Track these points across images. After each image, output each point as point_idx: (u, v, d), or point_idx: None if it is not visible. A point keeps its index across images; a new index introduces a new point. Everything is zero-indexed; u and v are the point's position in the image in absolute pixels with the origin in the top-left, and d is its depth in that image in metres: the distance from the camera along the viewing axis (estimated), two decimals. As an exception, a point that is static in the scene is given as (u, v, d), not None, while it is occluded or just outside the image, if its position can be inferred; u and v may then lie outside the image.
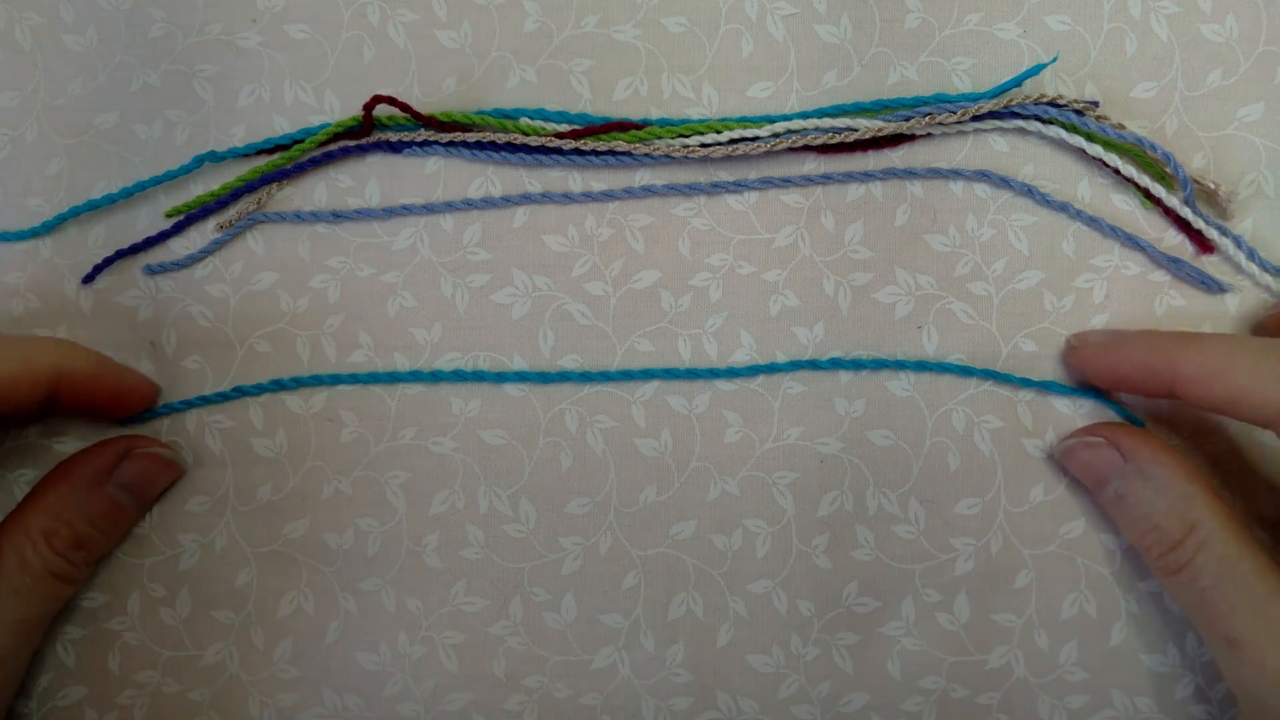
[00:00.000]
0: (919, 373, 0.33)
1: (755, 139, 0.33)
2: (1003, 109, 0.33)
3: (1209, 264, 0.33)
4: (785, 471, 0.33)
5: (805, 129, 0.33)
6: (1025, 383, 0.33)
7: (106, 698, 0.33)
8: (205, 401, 0.34)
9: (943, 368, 0.33)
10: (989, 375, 0.33)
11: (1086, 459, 0.32)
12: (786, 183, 0.34)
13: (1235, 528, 0.29)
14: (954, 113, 0.33)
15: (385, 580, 0.34)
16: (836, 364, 0.33)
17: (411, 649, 0.33)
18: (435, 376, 0.33)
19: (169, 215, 0.34)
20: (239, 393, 0.34)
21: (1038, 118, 0.33)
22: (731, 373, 0.33)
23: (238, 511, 0.34)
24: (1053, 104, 0.33)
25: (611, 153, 0.34)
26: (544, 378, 0.33)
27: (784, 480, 0.33)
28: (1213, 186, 0.33)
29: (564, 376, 0.33)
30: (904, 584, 0.33)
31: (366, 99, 0.33)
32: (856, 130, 0.33)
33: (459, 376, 0.33)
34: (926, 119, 0.33)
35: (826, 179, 0.34)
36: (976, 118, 0.33)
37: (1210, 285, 0.33)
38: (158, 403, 0.34)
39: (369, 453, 0.34)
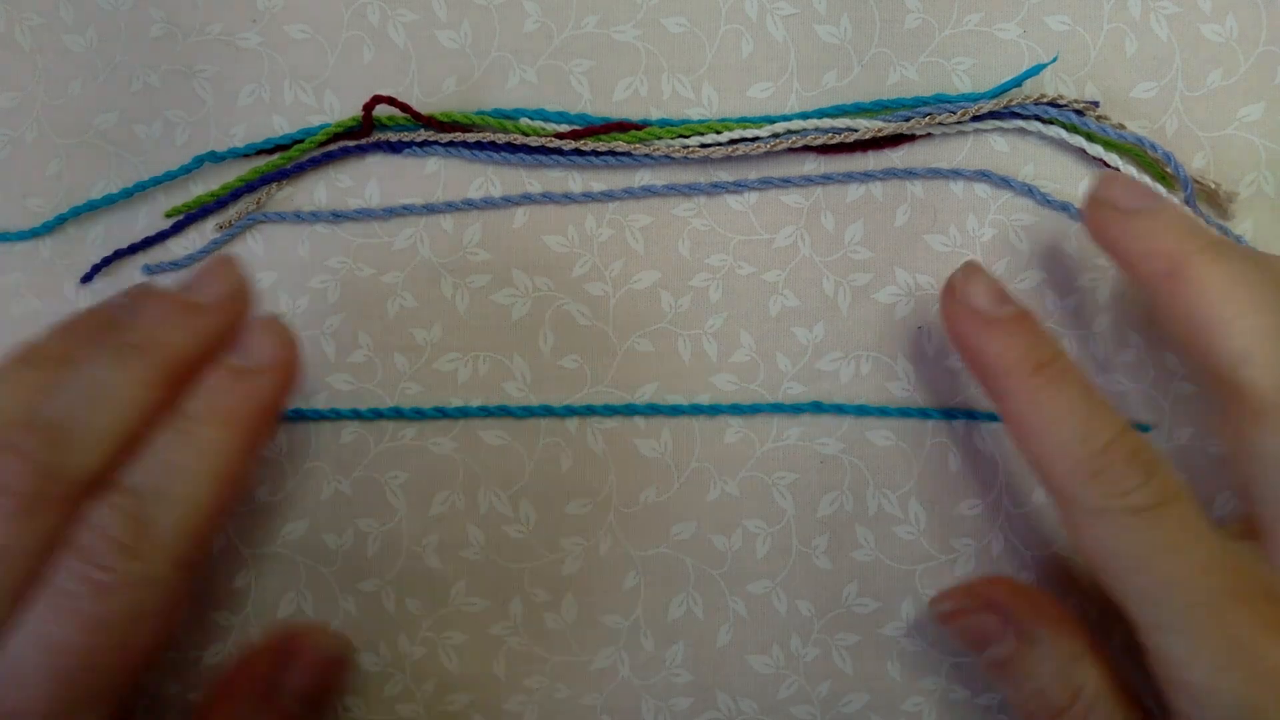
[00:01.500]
0: (901, 418, 0.33)
1: (755, 139, 0.33)
2: (1003, 109, 0.33)
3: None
4: (785, 472, 0.33)
5: (805, 129, 0.33)
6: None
7: (106, 698, 0.33)
8: None
9: (924, 414, 0.33)
10: (970, 417, 0.33)
11: (963, 625, 0.30)
12: (786, 183, 0.34)
13: (1119, 689, 0.28)
14: (954, 113, 0.33)
15: (385, 581, 0.34)
16: (819, 407, 0.33)
17: (411, 649, 0.33)
18: (418, 413, 0.33)
19: (169, 215, 0.34)
20: None
21: (1038, 118, 0.33)
22: (736, 409, 0.33)
23: (236, 513, 0.34)
24: (1053, 104, 0.33)
25: (612, 153, 0.34)
26: (527, 411, 0.33)
27: (784, 481, 0.33)
28: (1213, 186, 0.33)
29: (546, 411, 0.33)
30: (904, 584, 0.33)
31: (366, 99, 0.33)
32: (856, 130, 0.33)
33: (440, 413, 0.33)
34: (926, 119, 0.33)
35: (826, 179, 0.34)
36: (977, 118, 0.33)
37: None
38: None
39: (369, 453, 0.34)
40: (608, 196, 0.34)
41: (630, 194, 0.34)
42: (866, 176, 0.34)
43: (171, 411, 0.26)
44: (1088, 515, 0.26)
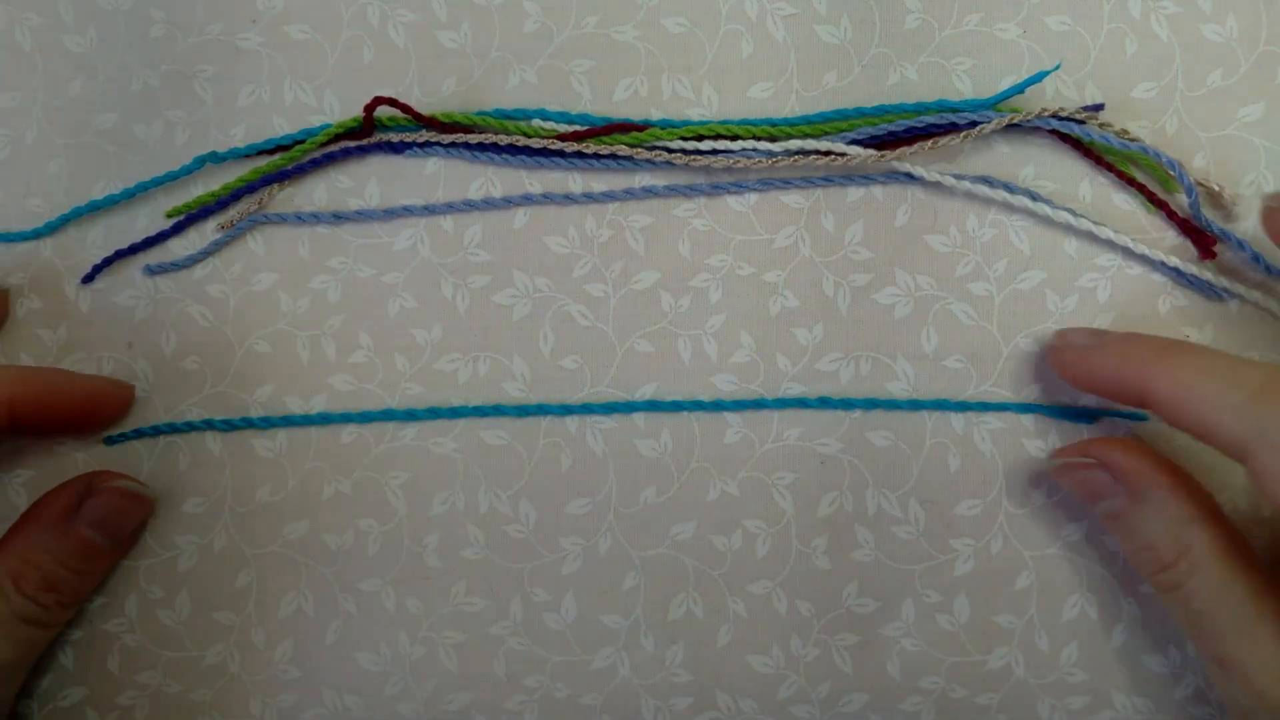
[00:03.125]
0: (909, 411, 0.33)
1: (755, 153, 0.33)
2: (1005, 127, 0.33)
3: (1209, 264, 0.33)
4: (785, 472, 0.33)
5: (805, 149, 0.33)
6: (1007, 406, 0.33)
7: (107, 698, 0.33)
8: (173, 429, 0.34)
9: (914, 405, 0.33)
10: (964, 407, 0.33)
11: (1078, 479, 0.31)
12: (787, 184, 0.34)
13: (1230, 551, 0.28)
14: (959, 127, 0.32)
15: (385, 580, 0.34)
16: (825, 402, 0.33)
17: (412, 649, 0.33)
18: (410, 415, 0.34)
19: (169, 216, 0.34)
20: (207, 425, 0.34)
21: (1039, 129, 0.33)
22: (718, 405, 0.33)
23: (236, 513, 0.34)
24: (1055, 116, 0.32)
25: (614, 156, 0.34)
26: (527, 411, 0.33)
27: (783, 481, 0.33)
28: (1217, 189, 0.33)
29: (542, 410, 0.33)
30: (904, 585, 0.33)
31: (366, 99, 0.33)
32: (857, 156, 0.32)
33: (434, 414, 0.34)
34: (932, 144, 0.32)
35: (827, 180, 0.34)
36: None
37: (1210, 293, 0.33)
38: (131, 405, 0.34)
39: (369, 453, 0.34)
40: (608, 197, 0.34)
41: (630, 194, 0.34)
42: (867, 179, 0.34)
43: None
44: (1273, 454, 0.26)
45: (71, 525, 0.31)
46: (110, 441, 0.34)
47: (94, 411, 0.33)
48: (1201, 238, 0.33)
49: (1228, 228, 0.33)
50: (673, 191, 0.34)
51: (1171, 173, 0.32)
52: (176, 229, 0.34)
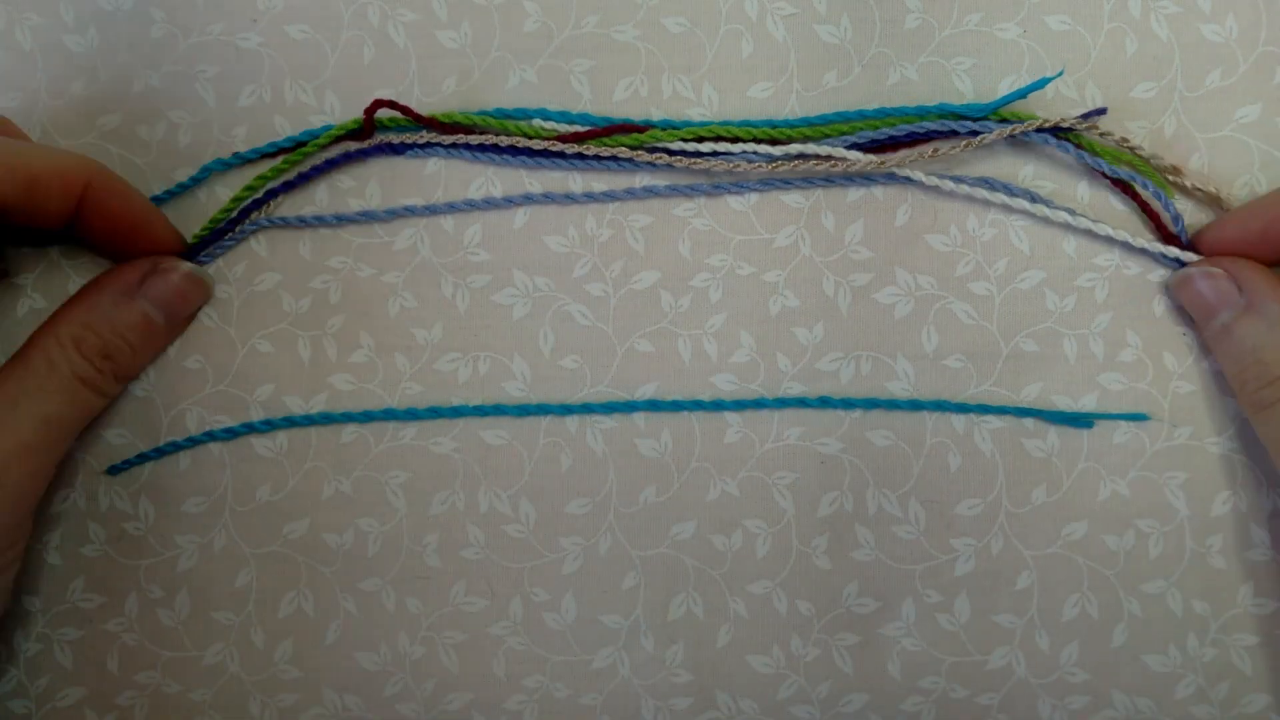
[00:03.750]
0: (910, 410, 0.33)
1: (756, 156, 0.33)
2: (1005, 137, 0.33)
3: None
4: (785, 472, 0.33)
5: (805, 154, 0.33)
6: (1005, 410, 0.33)
7: (106, 698, 0.33)
8: (175, 448, 0.34)
9: (914, 405, 0.33)
10: (964, 409, 0.33)
11: (1201, 289, 0.32)
12: (787, 184, 0.34)
13: None
14: (960, 134, 0.32)
15: (385, 580, 0.34)
16: (826, 402, 0.33)
17: (411, 649, 0.33)
18: (411, 414, 0.34)
19: (194, 240, 0.34)
20: (208, 437, 0.34)
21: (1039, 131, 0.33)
22: (718, 405, 0.33)
23: (236, 512, 0.34)
24: (1055, 129, 0.32)
25: (614, 159, 0.34)
26: (527, 410, 0.33)
27: (784, 481, 0.33)
28: (1214, 190, 0.33)
29: (542, 410, 0.33)
30: (904, 584, 0.33)
31: (367, 99, 0.33)
32: (857, 162, 0.32)
33: (434, 414, 0.34)
34: (933, 152, 0.32)
35: (827, 181, 0.34)
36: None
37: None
38: (180, 252, 0.34)
39: (369, 453, 0.34)
40: (608, 197, 0.34)
41: (631, 194, 0.34)
42: (868, 180, 0.34)
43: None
44: None
45: (134, 300, 0.32)
46: (113, 471, 0.34)
47: (144, 237, 0.33)
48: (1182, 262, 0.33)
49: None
50: (673, 191, 0.34)
51: (1158, 201, 0.32)
52: (195, 251, 0.34)
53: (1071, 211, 0.33)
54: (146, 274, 0.33)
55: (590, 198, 0.34)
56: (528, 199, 0.34)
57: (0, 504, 0.30)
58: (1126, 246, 0.33)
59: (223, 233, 0.34)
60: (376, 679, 0.33)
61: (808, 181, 0.34)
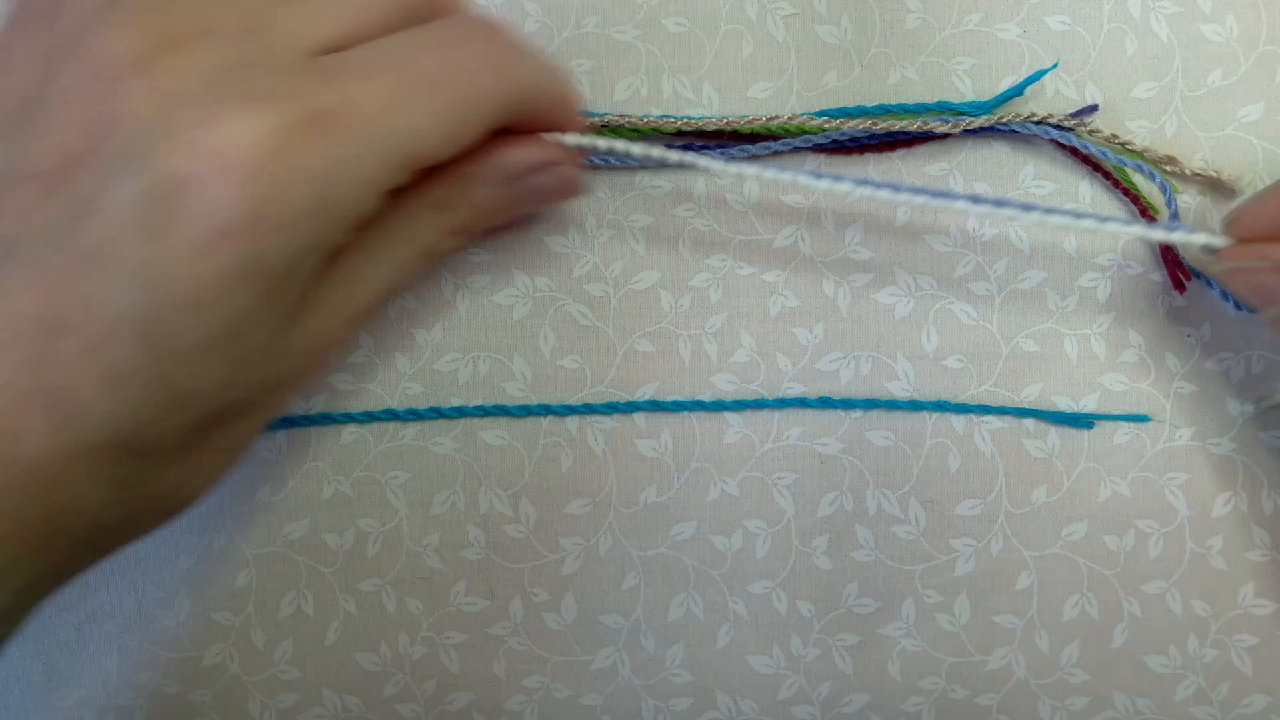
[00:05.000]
0: (910, 411, 0.33)
1: (756, 148, 0.33)
2: (993, 126, 0.33)
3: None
4: (785, 472, 0.33)
5: (805, 129, 0.33)
6: (1005, 410, 0.33)
7: (105, 700, 0.33)
8: None
9: (914, 406, 0.33)
10: (964, 409, 0.33)
11: (1253, 282, 0.28)
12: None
13: None
14: (946, 122, 0.32)
15: (385, 580, 0.34)
16: (826, 402, 0.33)
17: (412, 649, 0.33)
18: (411, 414, 0.34)
19: None
20: None
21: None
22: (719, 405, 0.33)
23: (235, 513, 0.34)
24: (1042, 122, 0.33)
25: (613, 153, 0.34)
26: (527, 411, 0.33)
27: (784, 481, 0.33)
28: (1215, 174, 0.33)
29: (542, 410, 0.33)
30: (904, 585, 0.33)
31: (367, 99, 0.33)
32: (846, 130, 0.33)
33: (435, 414, 0.34)
34: (919, 124, 0.33)
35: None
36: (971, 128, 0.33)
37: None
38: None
39: (369, 453, 0.34)
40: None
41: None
42: (866, 183, 0.33)
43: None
44: None
45: (513, 188, 0.29)
46: None
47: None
48: (1175, 270, 0.33)
49: (1200, 270, 0.33)
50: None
51: (1163, 195, 0.32)
52: None
53: (1074, 213, 0.33)
54: (537, 167, 0.29)
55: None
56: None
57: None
58: (1130, 245, 0.33)
59: None
60: (377, 679, 0.33)
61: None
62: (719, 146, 0.33)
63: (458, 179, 0.28)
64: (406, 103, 0.25)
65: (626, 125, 0.33)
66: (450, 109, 0.26)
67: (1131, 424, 0.33)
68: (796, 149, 0.33)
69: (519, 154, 0.29)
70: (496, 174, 0.29)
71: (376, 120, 0.24)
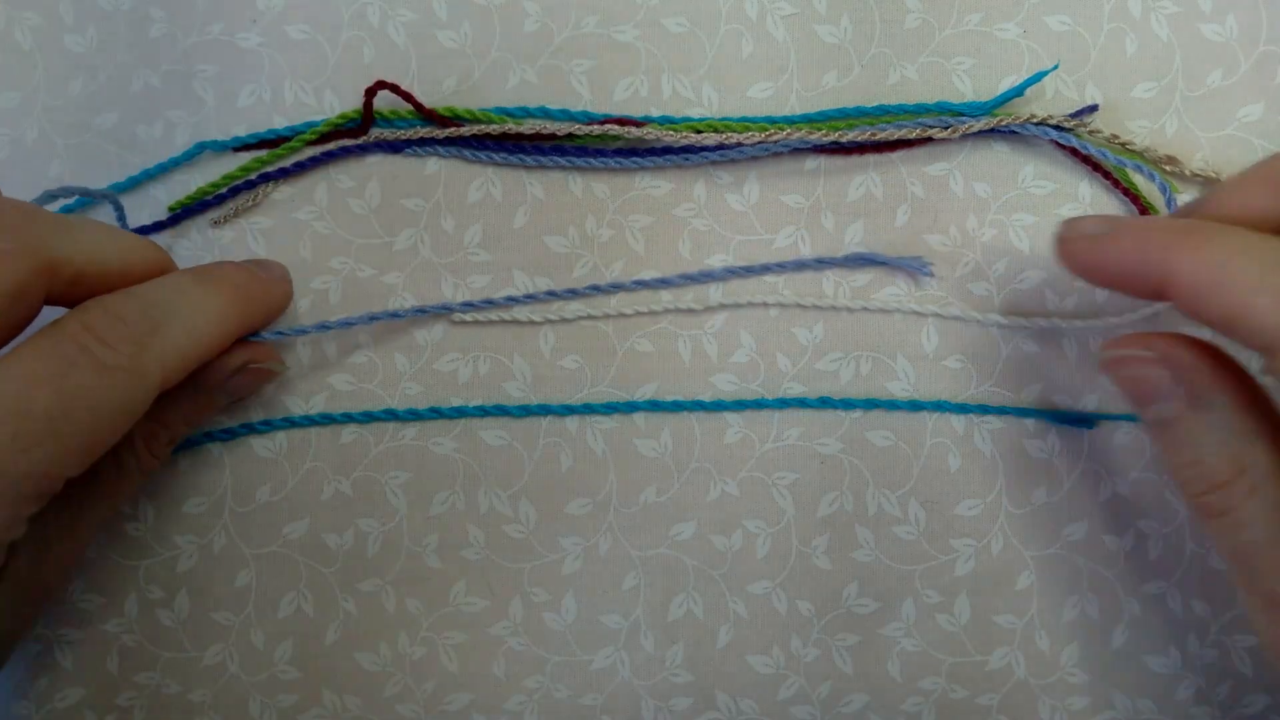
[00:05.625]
0: (909, 411, 0.33)
1: (755, 148, 0.33)
2: (994, 129, 0.33)
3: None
4: (785, 472, 0.33)
5: (803, 132, 0.33)
6: (1005, 410, 0.33)
7: (106, 699, 0.33)
8: (175, 449, 0.33)
9: (914, 406, 0.33)
10: (964, 409, 0.33)
11: (1132, 375, 0.27)
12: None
13: None
14: (946, 127, 0.32)
15: (385, 581, 0.33)
16: (826, 402, 0.33)
17: (411, 649, 0.33)
18: (411, 415, 0.34)
19: (172, 209, 0.34)
20: (206, 437, 0.34)
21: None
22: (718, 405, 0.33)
23: (236, 513, 0.34)
24: (1042, 122, 0.32)
25: (618, 152, 0.34)
26: (527, 411, 0.33)
27: (784, 481, 0.33)
28: (1215, 175, 0.33)
29: (542, 410, 0.33)
30: (904, 585, 0.33)
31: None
32: (849, 132, 0.32)
33: (435, 414, 0.34)
34: (919, 130, 0.32)
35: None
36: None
37: None
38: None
39: (369, 453, 0.34)
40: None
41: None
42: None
43: (192, 269, 0.31)
44: None
45: (213, 395, 0.32)
46: None
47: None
48: None
49: None
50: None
51: (1163, 196, 0.32)
52: (173, 221, 0.34)
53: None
54: (235, 372, 0.31)
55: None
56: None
57: (33, 601, 0.29)
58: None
59: (206, 206, 0.34)
60: (376, 679, 0.33)
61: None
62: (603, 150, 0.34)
63: (151, 409, 0.28)
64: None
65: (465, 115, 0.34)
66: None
67: (1132, 424, 0.33)
68: (796, 149, 0.33)
69: (217, 365, 0.31)
70: (198, 386, 0.30)
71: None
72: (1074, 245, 0.28)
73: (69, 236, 0.27)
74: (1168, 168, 0.33)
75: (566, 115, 0.34)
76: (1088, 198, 0.33)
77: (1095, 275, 0.27)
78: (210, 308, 0.29)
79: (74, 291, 0.27)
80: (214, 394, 0.32)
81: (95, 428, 0.26)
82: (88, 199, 0.34)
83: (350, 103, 0.34)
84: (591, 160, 0.34)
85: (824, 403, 0.33)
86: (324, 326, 0.33)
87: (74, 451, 0.26)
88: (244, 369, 0.31)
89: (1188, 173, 0.33)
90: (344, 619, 0.33)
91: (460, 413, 0.33)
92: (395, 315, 0.33)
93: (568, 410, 0.33)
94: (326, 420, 0.34)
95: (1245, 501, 0.24)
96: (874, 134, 0.32)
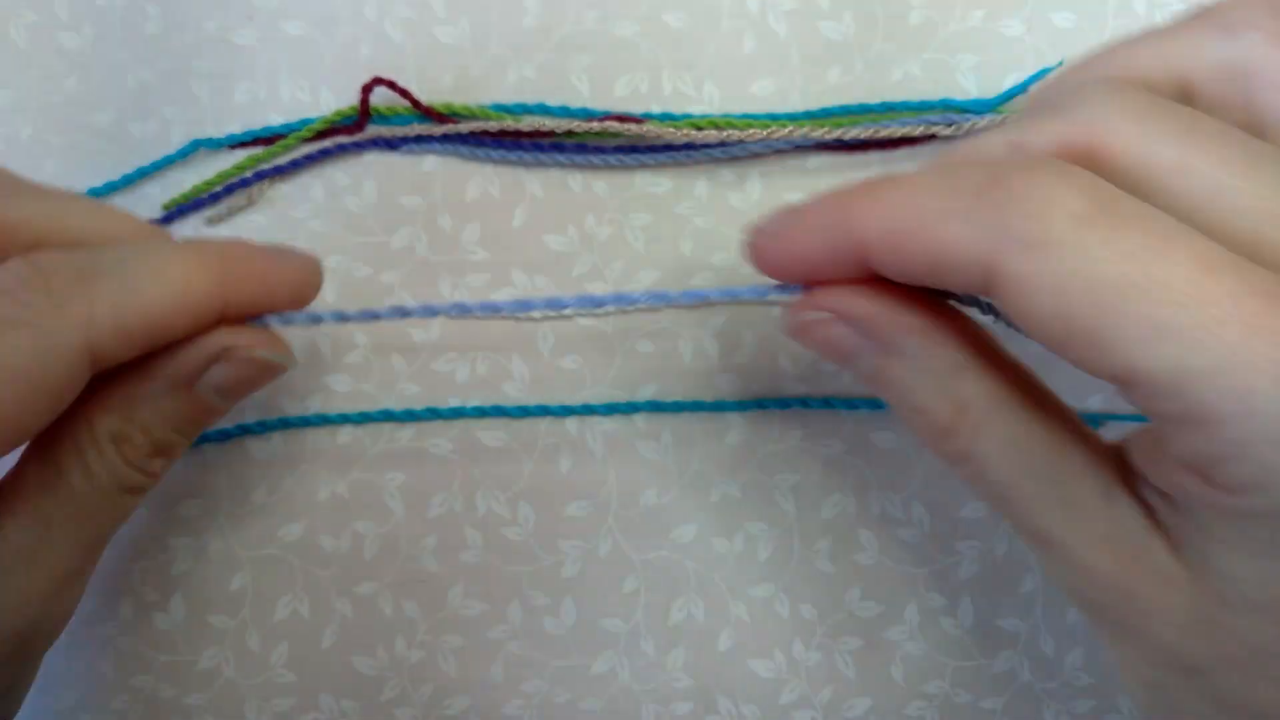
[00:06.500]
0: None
1: (756, 145, 0.33)
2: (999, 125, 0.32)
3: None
4: (787, 474, 0.33)
5: (805, 129, 0.33)
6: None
7: (100, 702, 0.33)
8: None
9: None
10: None
11: (819, 339, 0.24)
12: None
13: (1021, 399, 0.22)
14: (950, 125, 0.32)
15: (382, 584, 0.33)
16: (828, 403, 0.33)
17: (409, 653, 0.33)
18: (408, 415, 0.33)
19: (167, 208, 0.34)
20: (201, 439, 0.33)
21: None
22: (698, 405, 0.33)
23: (230, 515, 0.33)
24: None
25: (618, 150, 0.33)
26: (525, 411, 0.33)
27: (786, 482, 0.33)
28: None
29: (541, 411, 0.33)
30: (907, 588, 0.33)
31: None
32: (852, 129, 0.32)
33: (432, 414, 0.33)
34: (923, 128, 0.32)
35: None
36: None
37: None
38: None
39: (365, 454, 0.33)
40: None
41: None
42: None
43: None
44: (1033, 259, 0.19)
45: (192, 390, 0.26)
46: None
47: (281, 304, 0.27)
48: None
49: None
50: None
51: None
52: (167, 220, 0.34)
53: None
54: (212, 359, 0.26)
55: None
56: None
57: (33, 650, 0.26)
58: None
59: (201, 204, 0.34)
60: (374, 683, 0.33)
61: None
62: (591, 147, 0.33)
63: (127, 399, 0.25)
64: None
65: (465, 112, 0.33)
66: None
67: (1140, 424, 0.33)
68: (799, 147, 0.33)
69: (184, 353, 0.25)
70: (169, 379, 0.25)
71: None
72: (760, 249, 0.24)
73: (29, 200, 0.24)
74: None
75: (566, 112, 0.33)
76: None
77: (794, 273, 0.24)
78: (173, 270, 0.24)
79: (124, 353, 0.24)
80: (197, 390, 0.26)
81: (12, 400, 0.22)
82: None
83: (347, 100, 0.34)
84: (591, 158, 0.33)
85: (827, 403, 0.33)
86: (342, 316, 0.28)
87: None
88: (227, 356, 0.26)
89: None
90: (341, 622, 0.33)
91: (458, 413, 0.33)
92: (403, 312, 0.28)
93: (567, 411, 0.33)
94: (322, 421, 0.33)
95: (974, 442, 0.22)
96: (877, 131, 0.32)
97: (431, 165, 0.34)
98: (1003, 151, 0.21)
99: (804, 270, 0.23)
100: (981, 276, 0.20)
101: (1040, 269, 0.19)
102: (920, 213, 0.20)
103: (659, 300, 0.29)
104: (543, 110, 0.33)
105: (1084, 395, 0.33)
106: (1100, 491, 0.21)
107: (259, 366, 0.27)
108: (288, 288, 0.27)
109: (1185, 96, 0.22)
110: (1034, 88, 0.27)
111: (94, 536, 0.26)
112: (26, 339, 0.22)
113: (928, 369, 0.22)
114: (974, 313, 0.25)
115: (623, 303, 0.30)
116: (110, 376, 0.25)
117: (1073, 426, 0.22)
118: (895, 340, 0.23)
